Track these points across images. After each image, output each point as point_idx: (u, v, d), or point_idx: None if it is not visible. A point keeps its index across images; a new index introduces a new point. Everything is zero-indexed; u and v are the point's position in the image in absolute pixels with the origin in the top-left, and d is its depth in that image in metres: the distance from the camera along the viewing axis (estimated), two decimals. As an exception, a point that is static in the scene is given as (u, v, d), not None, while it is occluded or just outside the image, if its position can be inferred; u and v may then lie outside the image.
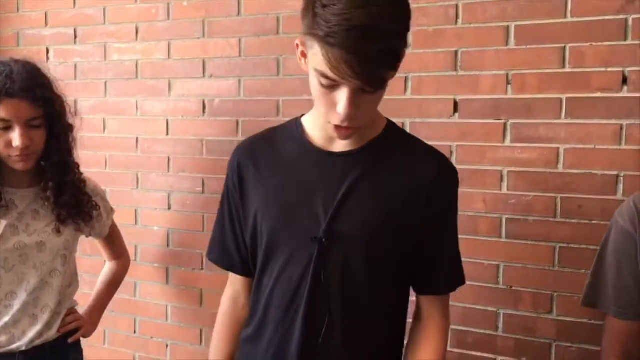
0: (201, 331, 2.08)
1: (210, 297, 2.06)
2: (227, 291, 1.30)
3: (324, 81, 0.98)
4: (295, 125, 1.18)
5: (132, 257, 1.95)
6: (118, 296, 2.19)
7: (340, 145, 1.12)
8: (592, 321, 1.59)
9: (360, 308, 1.10)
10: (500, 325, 1.69)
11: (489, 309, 1.70)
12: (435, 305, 1.18)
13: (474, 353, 1.72)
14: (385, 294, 1.12)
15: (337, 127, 1.03)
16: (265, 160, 1.17)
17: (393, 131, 1.17)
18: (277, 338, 1.13)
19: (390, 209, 1.08)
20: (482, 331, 1.71)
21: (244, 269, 1.24)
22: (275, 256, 1.12)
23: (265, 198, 1.14)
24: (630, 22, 1.52)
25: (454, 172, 1.17)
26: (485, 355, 1.71)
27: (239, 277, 1.26)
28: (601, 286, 1.25)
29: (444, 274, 1.17)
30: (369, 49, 0.91)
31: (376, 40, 0.91)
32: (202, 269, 2.07)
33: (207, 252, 1.30)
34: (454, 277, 1.20)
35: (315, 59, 0.97)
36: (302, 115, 1.21)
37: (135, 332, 2.19)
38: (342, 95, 0.97)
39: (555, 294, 1.63)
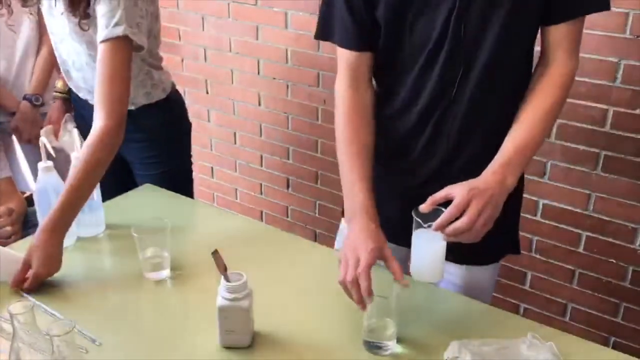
0: (318, 74, 2.22)
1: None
2: (342, 80, 1.17)
3: None
4: None
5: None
6: (242, 39, 2.35)
7: None
8: None
9: (496, 58, 1.06)
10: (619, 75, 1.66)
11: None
12: (563, 39, 1.07)
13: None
14: (520, 41, 1.08)
15: None
16: None
17: None
18: (412, 92, 1.13)
19: None
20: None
21: (363, 42, 1.13)
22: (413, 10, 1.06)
23: None
24: None
25: None
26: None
27: (355, 53, 1.14)
28: None
29: None
30: None
31: None
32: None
33: (315, 34, 1.18)
34: None
35: None
36: None
37: (258, 73, 2.38)
38: None
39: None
